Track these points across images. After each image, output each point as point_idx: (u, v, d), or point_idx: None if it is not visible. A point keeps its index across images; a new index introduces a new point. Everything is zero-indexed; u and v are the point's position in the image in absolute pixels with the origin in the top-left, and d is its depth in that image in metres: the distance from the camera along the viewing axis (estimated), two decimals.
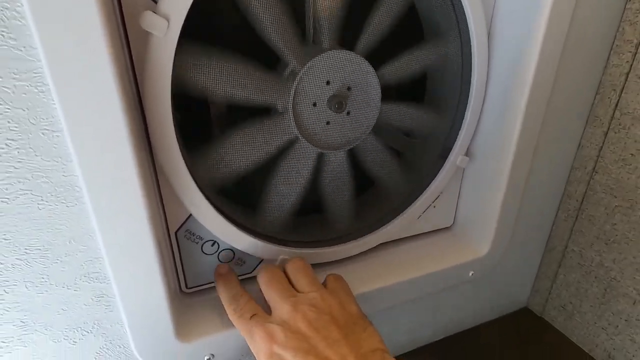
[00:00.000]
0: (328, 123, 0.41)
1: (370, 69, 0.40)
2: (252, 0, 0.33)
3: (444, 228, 0.57)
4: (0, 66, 0.23)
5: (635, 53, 0.43)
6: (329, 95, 0.40)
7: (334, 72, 0.38)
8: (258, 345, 0.30)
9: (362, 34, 0.40)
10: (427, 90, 0.52)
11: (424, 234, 0.56)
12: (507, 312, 0.64)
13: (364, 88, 0.40)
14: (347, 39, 0.40)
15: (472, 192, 0.53)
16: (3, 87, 0.24)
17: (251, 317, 0.32)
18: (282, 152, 0.41)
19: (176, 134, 0.33)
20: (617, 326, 0.50)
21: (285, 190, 0.43)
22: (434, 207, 0.54)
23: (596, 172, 0.49)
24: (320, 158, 0.43)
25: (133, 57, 0.30)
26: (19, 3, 0.22)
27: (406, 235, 0.54)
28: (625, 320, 0.49)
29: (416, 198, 0.51)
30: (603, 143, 0.48)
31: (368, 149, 0.45)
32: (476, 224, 0.54)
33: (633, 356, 0.49)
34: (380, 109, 0.42)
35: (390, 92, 0.45)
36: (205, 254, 0.42)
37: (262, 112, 0.40)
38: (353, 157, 0.45)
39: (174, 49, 0.30)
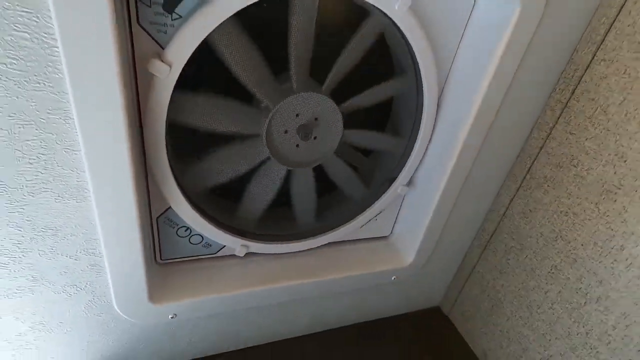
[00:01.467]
0: (297, 146, 0.49)
1: (334, 105, 0.47)
2: (226, 54, 0.40)
3: (382, 237, 0.69)
4: (39, 105, 0.31)
5: (549, 134, 0.53)
6: (298, 125, 0.48)
7: (303, 108, 0.46)
8: None
9: (328, 78, 0.47)
10: (390, 119, 0.61)
11: (364, 239, 0.67)
12: (422, 308, 0.78)
13: (329, 119, 0.48)
14: (319, 75, 0.47)
15: (408, 213, 0.65)
16: (40, 118, 0.32)
17: None
18: (257, 167, 0.50)
19: (167, 147, 0.42)
20: (494, 334, 0.65)
21: (258, 199, 0.52)
22: (376, 220, 0.65)
23: (505, 217, 0.61)
24: (289, 172, 0.52)
25: (139, 91, 0.38)
26: (58, 64, 0.30)
27: (349, 239, 0.66)
28: (500, 331, 0.64)
29: (362, 212, 0.62)
30: (514, 196, 0.59)
31: (331, 164, 0.54)
32: (406, 239, 0.65)
33: (499, 357, 0.64)
34: (342, 134, 0.50)
35: (358, 118, 0.53)
36: (179, 236, 0.52)
37: (242, 136, 0.48)
38: (320, 168, 0.54)
39: (172, 87, 0.38)
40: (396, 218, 0.67)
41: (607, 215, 0.46)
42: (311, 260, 0.62)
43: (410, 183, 0.61)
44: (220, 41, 0.39)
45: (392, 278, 0.66)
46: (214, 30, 0.37)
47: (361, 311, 0.72)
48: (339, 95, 0.48)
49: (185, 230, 0.52)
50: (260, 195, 0.53)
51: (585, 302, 0.50)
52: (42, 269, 0.40)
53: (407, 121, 0.58)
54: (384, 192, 0.61)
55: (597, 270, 0.48)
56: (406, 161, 0.59)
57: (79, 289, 0.44)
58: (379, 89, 0.51)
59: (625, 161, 0.44)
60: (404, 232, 0.66)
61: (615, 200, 0.45)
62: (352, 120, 0.51)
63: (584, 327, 0.50)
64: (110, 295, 0.46)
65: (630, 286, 0.44)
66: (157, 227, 0.50)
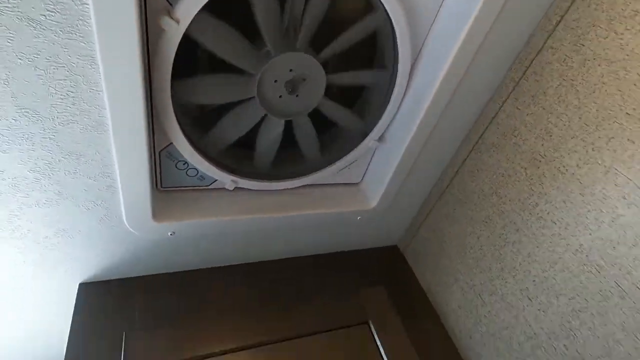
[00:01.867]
0: (288, 99, 0.57)
1: (311, 58, 0.52)
2: (203, 40, 0.46)
3: (353, 183, 0.79)
4: (71, 52, 0.38)
5: (501, 106, 0.62)
6: (284, 82, 0.55)
7: (284, 66, 0.52)
8: None
9: (301, 33, 0.51)
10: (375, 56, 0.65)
11: (338, 184, 0.78)
12: (382, 245, 0.92)
13: (310, 71, 0.54)
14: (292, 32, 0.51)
15: (376, 164, 0.74)
16: (71, 62, 0.38)
17: None
18: (259, 124, 0.57)
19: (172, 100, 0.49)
20: (437, 270, 0.79)
21: (266, 150, 0.61)
22: (349, 168, 0.75)
23: (458, 173, 0.71)
24: (289, 122, 0.60)
25: (149, 42, 0.44)
26: (88, 18, 0.36)
27: (325, 183, 0.76)
28: (441, 267, 0.78)
29: (337, 161, 0.71)
30: (467, 157, 0.69)
31: (324, 107, 0.61)
32: (372, 186, 0.76)
33: (437, 284, 0.79)
34: (327, 79, 0.56)
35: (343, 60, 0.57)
36: (178, 169, 0.60)
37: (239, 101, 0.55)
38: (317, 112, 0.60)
39: (179, 40, 0.44)
40: (367, 168, 0.77)
41: (531, 179, 0.57)
42: (291, 198, 0.73)
43: (381, 138, 0.70)
44: (196, 30, 0.44)
45: (358, 218, 0.77)
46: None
47: (329, 244, 0.85)
48: (319, 43, 0.52)
49: (183, 164, 0.60)
50: (267, 147, 0.61)
51: (504, 245, 0.63)
52: (67, 186, 0.49)
53: (380, 88, 0.64)
54: (357, 145, 0.70)
55: (516, 220, 0.60)
56: (379, 120, 0.67)
57: (96, 204, 0.53)
58: (352, 31, 0.54)
59: (550, 136, 0.54)
60: (372, 180, 0.76)
61: (539, 167, 0.56)
62: (340, 63, 0.56)
63: (500, 263, 0.63)
64: (121, 212, 0.55)
65: (537, 234, 0.57)
66: (159, 159, 0.58)
